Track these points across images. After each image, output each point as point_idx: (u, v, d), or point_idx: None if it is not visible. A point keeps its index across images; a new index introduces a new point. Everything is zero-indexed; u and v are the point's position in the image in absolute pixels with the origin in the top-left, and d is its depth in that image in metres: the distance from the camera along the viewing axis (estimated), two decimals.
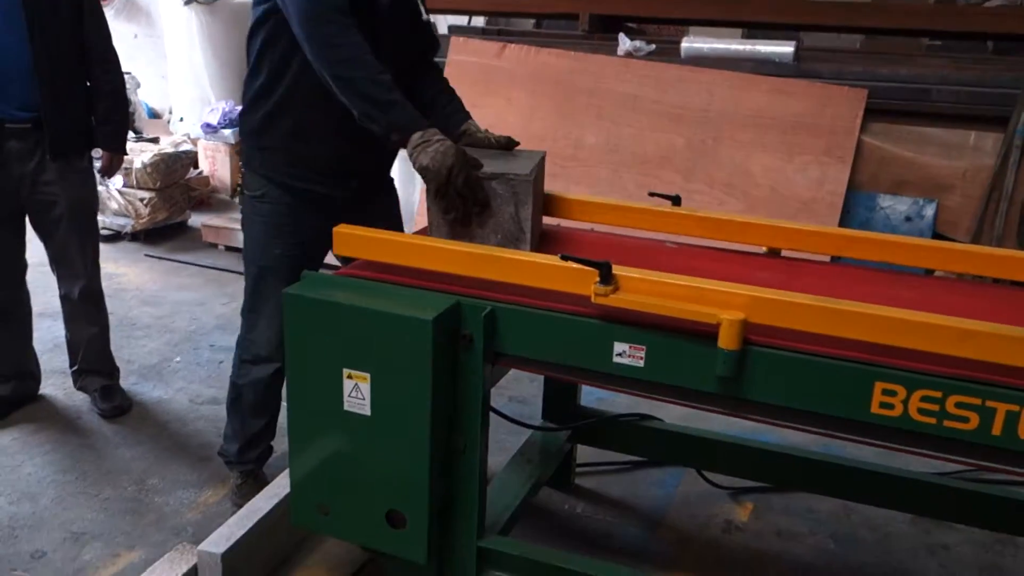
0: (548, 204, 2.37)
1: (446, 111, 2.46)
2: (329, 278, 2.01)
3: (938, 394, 1.58)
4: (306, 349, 1.94)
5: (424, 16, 2.50)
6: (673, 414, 2.96)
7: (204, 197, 6.87)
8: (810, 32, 5.75)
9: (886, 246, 2.25)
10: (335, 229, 2.04)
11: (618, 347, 1.78)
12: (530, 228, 2.03)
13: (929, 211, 4.43)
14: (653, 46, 5.07)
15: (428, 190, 2.06)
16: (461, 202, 2.01)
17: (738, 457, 2.71)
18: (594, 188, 4.79)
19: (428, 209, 2.08)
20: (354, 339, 1.88)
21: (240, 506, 2.46)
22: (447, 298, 1.88)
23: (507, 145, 2.31)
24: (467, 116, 2.45)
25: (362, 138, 2.18)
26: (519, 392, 3.74)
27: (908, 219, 4.47)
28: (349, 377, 1.90)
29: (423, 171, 2.02)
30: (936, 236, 4.46)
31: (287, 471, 2.14)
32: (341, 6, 2.13)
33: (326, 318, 1.90)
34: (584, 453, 3.06)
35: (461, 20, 6.77)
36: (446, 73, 5.21)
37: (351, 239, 2.02)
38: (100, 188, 4.30)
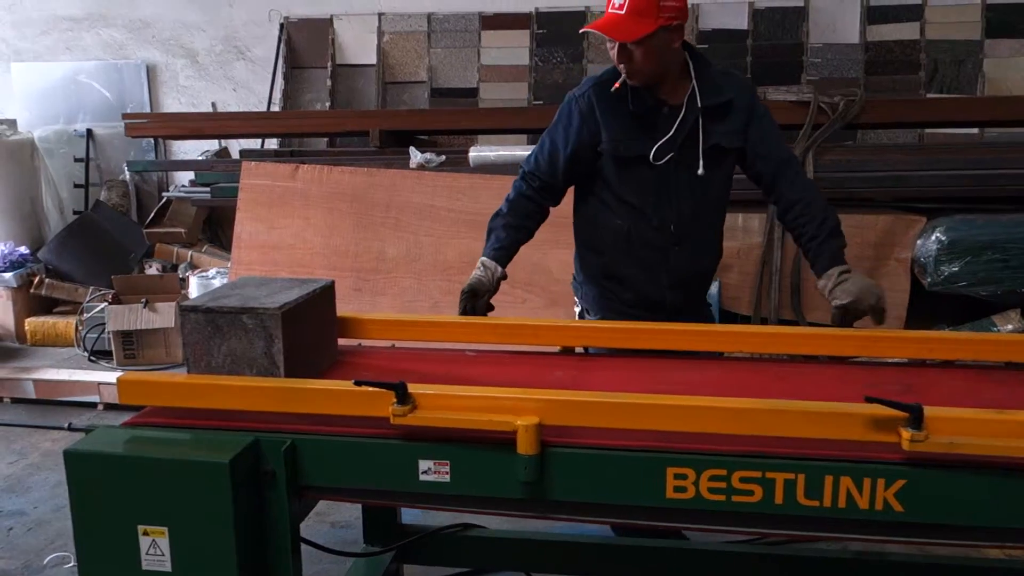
0: (344, 326, 2.37)
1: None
2: (115, 430, 1.90)
3: (723, 472, 1.68)
4: (95, 509, 1.81)
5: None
6: (495, 519, 2.96)
7: None
8: None
9: (671, 335, 2.38)
10: (119, 377, 1.95)
11: (423, 465, 1.78)
12: (283, 362, 1.96)
13: (713, 289, 4.75)
14: (443, 157, 5.25)
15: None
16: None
17: (561, 554, 2.74)
18: (400, 298, 4.82)
19: (184, 345, 2.01)
20: (147, 493, 1.78)
21: None
22: (244, 436, 1.82)
23: None
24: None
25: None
26: (341, 517, 3.62)
27: None
28: (145, 534, 1.79)
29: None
30: (723, 312, 4.79)
31: None
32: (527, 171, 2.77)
33: (114, 474, 1.79)
34: (413, 572, 2.99)
35: (254, 144, 6.74)
36: (240, 198, 5.25)
37: (136, 387, 1.94)
38: None
